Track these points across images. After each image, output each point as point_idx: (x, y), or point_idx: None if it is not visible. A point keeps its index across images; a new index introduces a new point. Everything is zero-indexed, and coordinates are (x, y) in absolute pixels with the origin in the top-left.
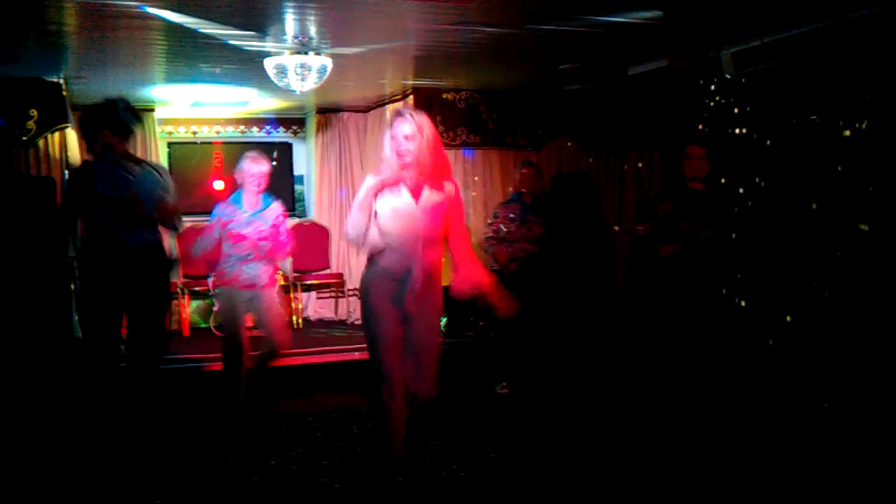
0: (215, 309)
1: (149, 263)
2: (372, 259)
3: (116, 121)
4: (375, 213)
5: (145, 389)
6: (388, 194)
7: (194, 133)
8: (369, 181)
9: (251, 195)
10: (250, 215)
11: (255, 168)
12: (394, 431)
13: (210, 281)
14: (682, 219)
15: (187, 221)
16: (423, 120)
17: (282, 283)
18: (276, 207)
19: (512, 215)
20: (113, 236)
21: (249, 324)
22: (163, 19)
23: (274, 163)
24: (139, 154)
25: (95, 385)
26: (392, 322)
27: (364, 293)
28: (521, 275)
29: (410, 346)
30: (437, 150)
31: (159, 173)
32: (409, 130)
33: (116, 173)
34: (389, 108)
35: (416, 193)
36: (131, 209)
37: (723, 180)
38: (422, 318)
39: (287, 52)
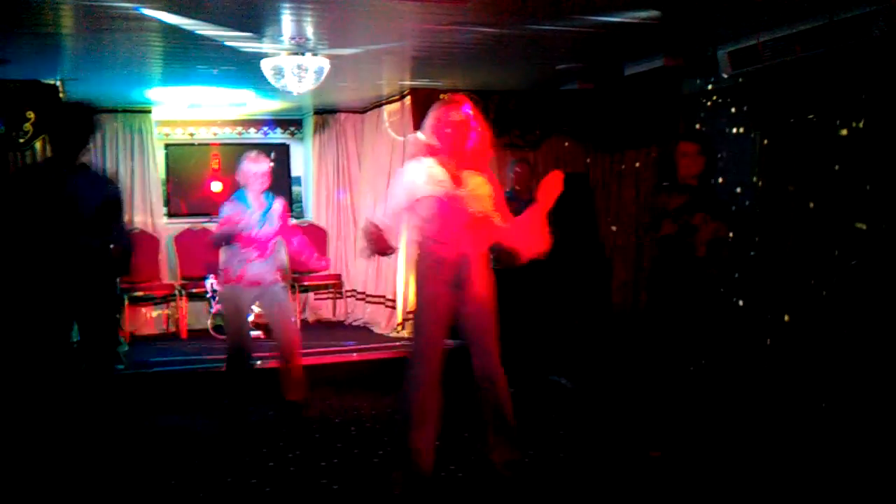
0: (213, 310)
1: (92, 267)
2: (421, 249)
3: (69, 130)
4: (417, 203)
5: (101, 392)
6: (429, 182)
7: (191, 135)
8: (408, 169)
9: (256, 195)
10: (261, 216)
11: (256, 168)
12: (414, 423)
13: (209, 283)
14: (693, 212)
15: (186, 223)
16: (470, 109)
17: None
18: (280, 205)
19: None
20: (59, 240)
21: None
22: (159, 21)
23: (271, 164)
24: (137, 157)
25: (54, 390)
26: (440, 312)
27: (419, 283)
28: (523, 273)
29: (469, 331)
30: (481, 138)
31: (104, 181)
32: (456, 118)
33: (58, 178)
34: (386, 108)
35: (457, 180)
36: (72, 214)
37: (720, 180)
38: (476, 303)
39: (284, 53)
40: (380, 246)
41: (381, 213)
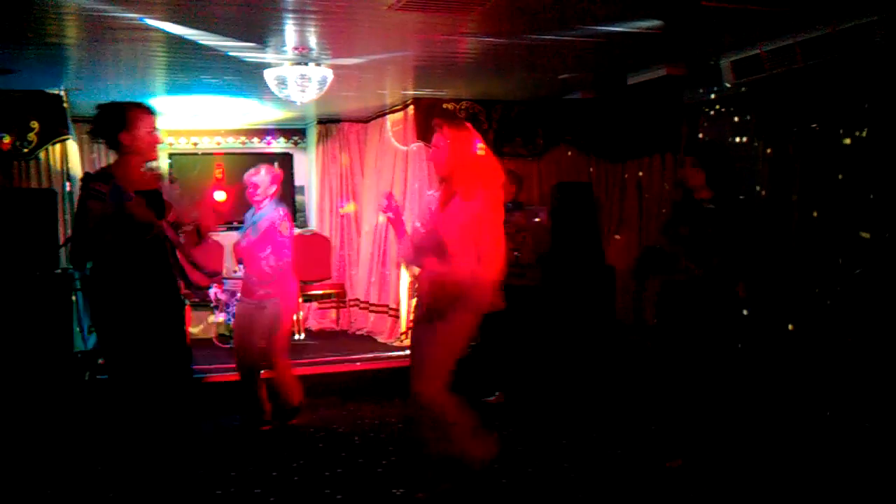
0: (217, 319)
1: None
2: None
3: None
4: None
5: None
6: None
7: (195, 144)
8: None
9: (255, 206)
10: (244, 227)
11: (246, 178)
12: (421, 438)
13: (212, 292)
14: (701, 240)
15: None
16: (451, 132)
17: None
18: (270, 214)
19: None
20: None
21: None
22: (163, 31)
23: (260, 174)
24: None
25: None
26: (415, 334)
27: None
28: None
29: None
30: (463, 158)
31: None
32: (435, 141)
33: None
34: (389, 118)
35: (441, 206)
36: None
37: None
38: (425, 330)
39: (287, 63)
40: None
41: None
